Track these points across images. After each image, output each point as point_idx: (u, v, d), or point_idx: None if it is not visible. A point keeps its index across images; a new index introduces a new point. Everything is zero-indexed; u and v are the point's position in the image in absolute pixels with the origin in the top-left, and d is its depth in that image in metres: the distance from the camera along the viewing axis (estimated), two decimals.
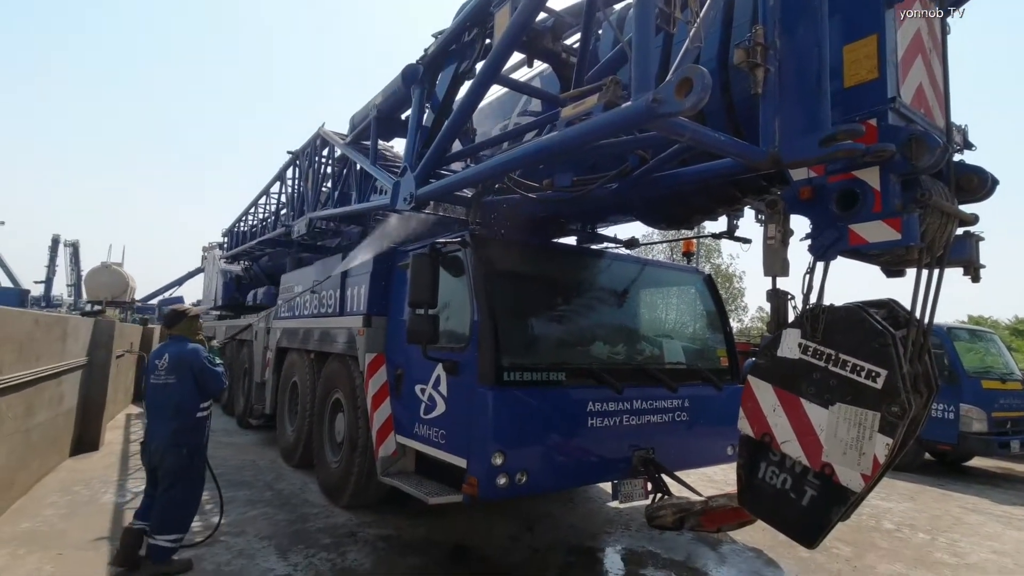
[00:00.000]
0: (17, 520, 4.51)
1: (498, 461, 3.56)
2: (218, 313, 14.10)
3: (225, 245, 13.75)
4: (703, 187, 3.83)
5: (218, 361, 4.08)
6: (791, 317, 3.11)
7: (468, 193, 4.13)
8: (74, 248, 41.72)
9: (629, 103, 2.18)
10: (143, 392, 4.37)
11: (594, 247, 5.04)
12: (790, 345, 3.04)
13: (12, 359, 4.31)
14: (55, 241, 41.74)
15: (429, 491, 4.05)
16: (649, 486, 4.47)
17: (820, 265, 2.97)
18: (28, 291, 35.43)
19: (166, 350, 3.93)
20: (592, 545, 4.76)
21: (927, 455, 8.71)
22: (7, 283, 39.03)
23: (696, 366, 4.95)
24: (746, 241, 4.83)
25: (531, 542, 4.71)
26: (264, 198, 9.31)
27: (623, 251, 5.23)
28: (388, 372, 4.91)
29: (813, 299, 2.94)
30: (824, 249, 2.95)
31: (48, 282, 41.38)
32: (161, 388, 3.82)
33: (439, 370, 4.14)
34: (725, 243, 5.34)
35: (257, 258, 11.88)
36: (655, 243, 5.35)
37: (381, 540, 4.53)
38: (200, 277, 38.53)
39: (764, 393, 3.16)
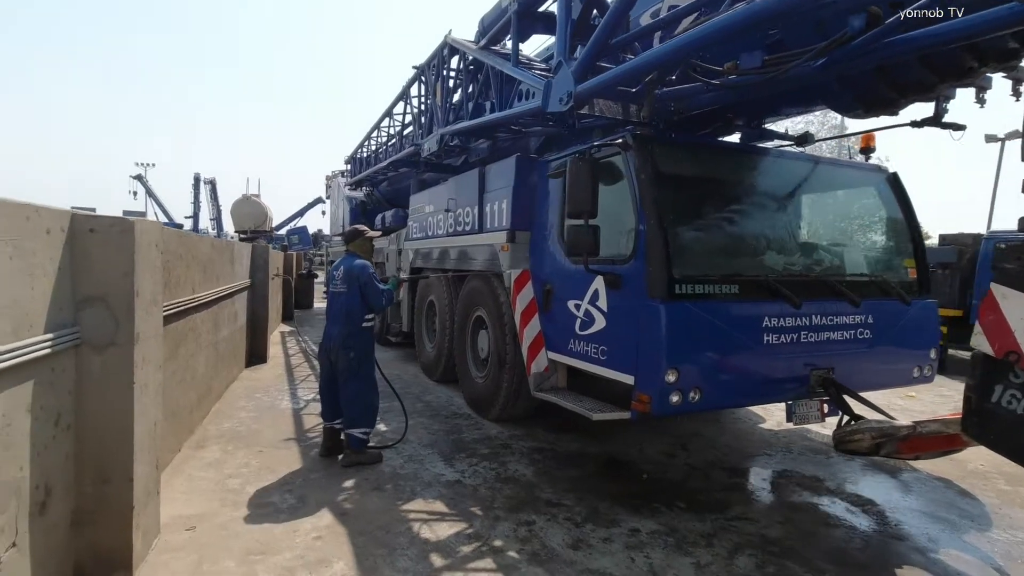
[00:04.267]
0: (220, 421, 5.12)
1: (671, 378, 3.37)
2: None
3: (348, 172, 14.25)
4: (924, 58, 3.13)
5: (386, 287, 4.38)
6: None
7: (628, 89, 3.70)
8: (212, 185, 45.88)
9: None
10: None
11: (763, 145, 4.44)
12: None
13: (200, 279, 4.71)
14: (196, 179, 46.14)
15: (591, 407, 3.99)
16: (826, 408, 4.12)
17: None
18: (181, 225, 39.94)
19: (342, 263, 4.32)
20: (752, 466, 4.55)
21: None
22: (164, 219, 44.22)
23: (881, 278, 4.36)
24: (958, 128, 4.00)
25: (687, 460, 4.59)
26: (387, 120, 9.34)
27: (795, 149, 4.58)
28: (535, 288, 4.82)
29: None
30: None
31: (195, 217, 46.19)
32: (336, 296, 4.26)
33: (597, 284, 3.95)
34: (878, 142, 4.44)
35: (378, 183, 12.20)
36: (833, 138, 4.54)
37: (536, 452, 4.62)
38: (319, 207, 41.14)
39: (1013, 304, 2.64)
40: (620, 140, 3.76)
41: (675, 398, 3.41)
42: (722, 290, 3.61)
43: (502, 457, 4.47)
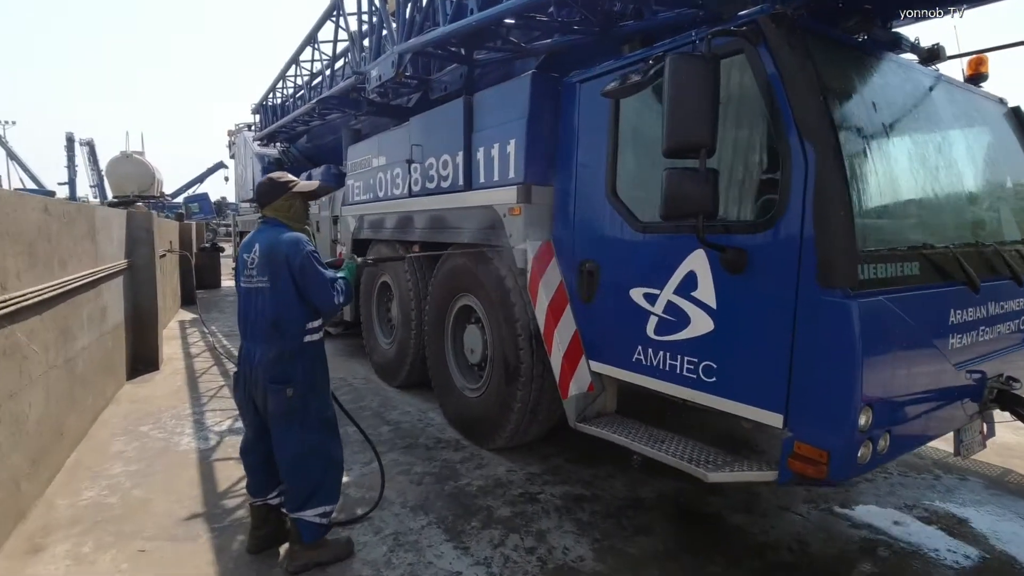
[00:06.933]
0: (77, 486, 3.25)
1: (863, 421, 2.04)
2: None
3: (256, 125, 11.85)
4: None
5: (340, 275, 2.69)
6: None
7: None
8: (90, 146, 40.14)
9: None
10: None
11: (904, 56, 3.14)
12: None
13: (22, 266, 2.81)
14: (70, 140, 40.15)
15: (694, 457, 2.58)
16: (985, 428, 2.99)
17: None
18: (54, 192, 34.45)
19: (256, 239, 2.56)
20: (864, 504, 3.36)
21: None
22: (31, 185, 38.16)
23: None
24: None
25: (776, 500, 3.35)
26: (309, 51, 7.26)
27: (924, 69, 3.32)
28: (564, 268, 3.33)
29: None
30: None
31: (71, 183, 40.42)
32: (253, 295, 2.51)
33: (694, 264, 2.53)
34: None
35: (295, 138, 10.04)
36: (960, 56, 3.43)
37: (575, 505, 3.21)
38: (221, 172, 36.84)
39: None
40: (747, 26, 2.30)
41: (863, 451, 2.09)
42: (906, 271, 2.30)
43: (534, 522, 3.01)
